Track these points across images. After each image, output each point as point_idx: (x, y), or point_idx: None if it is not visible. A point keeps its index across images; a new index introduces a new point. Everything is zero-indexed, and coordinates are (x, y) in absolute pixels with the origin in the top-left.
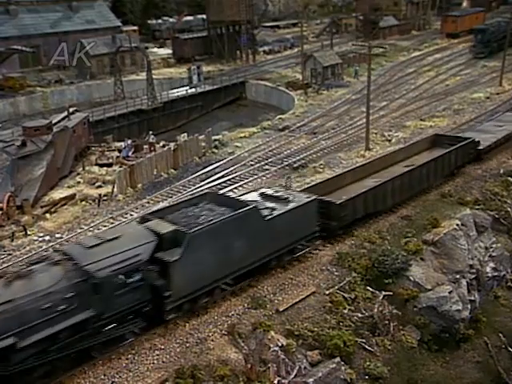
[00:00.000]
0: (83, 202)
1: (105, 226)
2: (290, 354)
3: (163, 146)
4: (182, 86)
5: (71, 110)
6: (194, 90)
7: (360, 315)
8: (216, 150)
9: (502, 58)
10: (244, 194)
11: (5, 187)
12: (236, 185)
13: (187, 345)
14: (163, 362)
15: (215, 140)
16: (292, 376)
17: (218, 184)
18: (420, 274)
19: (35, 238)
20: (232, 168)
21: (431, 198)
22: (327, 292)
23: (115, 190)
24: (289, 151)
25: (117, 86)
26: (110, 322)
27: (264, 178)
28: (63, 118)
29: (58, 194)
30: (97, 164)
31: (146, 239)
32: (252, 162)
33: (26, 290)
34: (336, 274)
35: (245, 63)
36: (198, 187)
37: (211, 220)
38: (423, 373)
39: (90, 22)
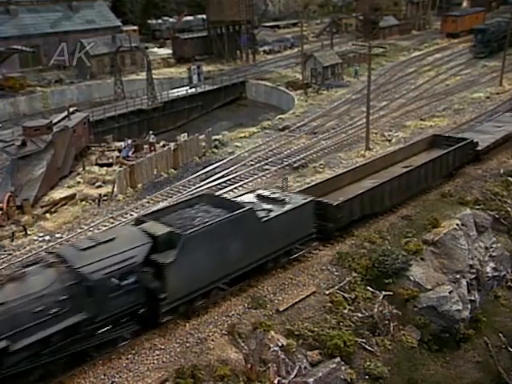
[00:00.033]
0: (83, 202)
1: (105, 226)
2: (290, 354)
3: (163, 145)
4: (182, 86)
5: (71, 109)
6: (194, 89)
7: (360, 315)
8: (216, 150)
9: (502, 57)
10: (240, 196)
11: (5, 187)
12: (236, 185)
13: (187, 345)
14: (163, 361)
15: (215, 140)
16: (292, 376)
17: (218, 184)
18: (420, 273)
19: (35, 237)
20: (232, 168)
21: (431, 197)
22: (327, 292)
23: (115, 189)
24: (289, 151)
25: (117, 85)
26: (103, 325)
27: (264, 178)
28: (63, 118)
29: (58, 193)
30: (97, 164)
31: (141, 241)
32: (252, 162)
33: (18, 293)
34: (336, 273)
35: (245, 63)
36: (198, 187)
37: (207, 222)
38: (423, 373)
39: (90, 22)
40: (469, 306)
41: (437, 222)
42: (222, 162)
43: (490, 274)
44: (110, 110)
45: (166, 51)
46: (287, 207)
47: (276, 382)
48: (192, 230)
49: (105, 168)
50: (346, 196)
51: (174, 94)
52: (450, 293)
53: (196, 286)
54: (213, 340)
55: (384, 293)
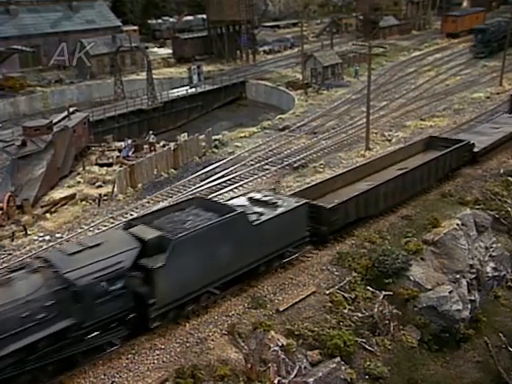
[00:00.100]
0: (83, 202)
1: (105, 226)
2: (290, 354)
3: (163, 145)
4: (182, 86)
5: (71, 109)
6: (194, 89)
7: (360, 315)
8: (216, 150)
9: (502, 57)
10: (232, 199)
11: (5, 187)
12: (236, 184)
13: (187, 344)
14: (163, 361)
15: (215, 140)
16: (292, 376)
17: (218, 184)
18: (420, 273)
19: (35, 237)
20: (232, 168)
21: (431, 197)
22: (327, 292)
23: (115, 189)
24: (289, 151)
25: (117, 85)
26: (91, 331)
27: (264, 178)
28: (63, 118)
29: (58, 193)
30: (97, 164)
31: (129, 246)
32: (252, 162)
33: (4, 298)
34: (336, 273)
35: (245, 63)
36: (198, 187)
37: (197, 225)
38: (423, 372)
39: (90, 22)
40: (469, 305)
41: (437, 222)
42: (222, 162)
43: (490, 274)
44: (110, 110)
45: (166, 51)
46: (279, 210)
47: (276, 381)
48: (182, 234)
49: (105, 168)
50: (340, 199)
51: (174, 94)
52: (450, 293)
53: (186, 290)
54: (213, 340)
55: (384, 293)
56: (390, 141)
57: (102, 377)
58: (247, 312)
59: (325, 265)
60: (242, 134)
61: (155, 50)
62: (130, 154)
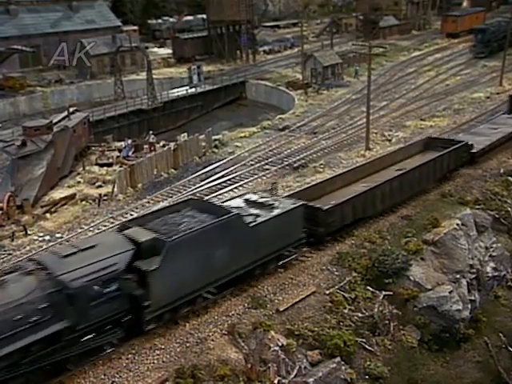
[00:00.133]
0: (83, 202)
1: (105, 226)
2: (290, 354)
3: (163, 145)
4: (182, 86)
5: (71, 109)
6: (194, 89)
7: (360, 315)
8: (216, 150)
9: (503, 57)
10: (228, 200)
11: (5, 187)
12: (236, 185)
13: (187, 344)
14: (163, 361)
15: (215, 140)
16: (292, 376)
17: (219, 184)
18: (420, 273)
19: (35, 237)
20: (232, 168)
21: (431, 197)
22: (327, 292)
23: (115, 189)
24: (289, 151)
25: (117, 85)
26: (85, 333)
27: (264, 178)
28: (63, 118)
29: (58, 193)
30: (97, 164)
31: (123, 248)
32: (252, 162)
33: None
34: (336, 273)
35: (245, 63)
36: (198, 187)
37: (192, 228)
38: (423, 372)
39: (90, 22)
40: (469, 305)
41: (437, 222)
42: (222, 162)
43: (490, 274)
44: (110, 110)
45: (166, 51)
46: (275, 212)
47: (276, 381)
48: (177, 237)
49: (105, 168)
50: (337, 200)
51: (174, 94)
52: (450, 293)
53: (181, 293)
54: (213, 340)
55: (384, 293)
56: (390, 141)
57: (102, 377)
58: (247, 312)
59: (325, 265)
60: (242, 134)
61: (155, 49)
62: (130, 153)
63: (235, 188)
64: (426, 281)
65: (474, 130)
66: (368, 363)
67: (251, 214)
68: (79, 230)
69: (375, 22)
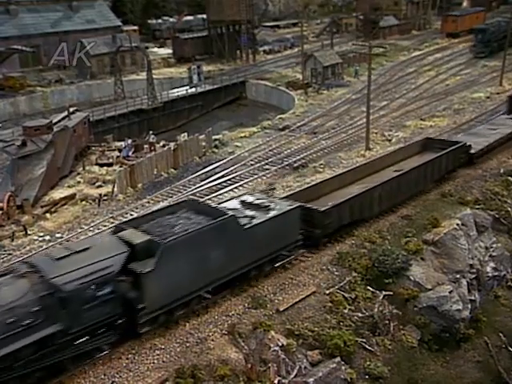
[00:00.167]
0: (83, 202)
1: (105, 226)
2: (290, 354)
3: (163, 145)
4: (182, 86)
5: (71, 109)
6: (194, 89)
7: (360, 315)
8: (216, 150)
9: (503, 57)
10: (224, 202)
11: (5, 187)
12: (236, 184)
13: (187, 344)
14: (163, 361)
15: (215, 140)
16: (292, 376)
17: (219, 184)
18: (420, 273)
19: (35, 237)
20: (232, 168)
21: (431, 197)
22: (327, 292)
23: (115, 189)
24: (289, 151)
25: (117, 85)
26: (79, 337)
27: (264, 178)
28: (63, 118)
29: (58, 193)
30: (97, 164)
31: (117, 250)
32: (252, 162)
33: None
34: (336, 273)
35: (245, 63)
36: (198, 187)
37: (187, 229)
38: (423, 372)
39: (91, 22)
40: (469, 305)
41: (437, 222)
42: (222, 162)
43: (490, 274)
44: (110, 110)
45: (166, 51)
46: (271, 214)
47: (276, 381)
48: (171, 238)
49: (105, 168)
50: (334, 201)
51: (174, 94)
52: (450, 292)
53: (176, 295)
54: (213, 340)
55: (384, 292)
56: (390, 141)
57: (102, 377)
58: (247, 312)
59: (325, 265)
60: (242, 134)
61: (155, 49)
62: (130, 153)
63: (235, 188)
64: (426, 281)
65: (472, 130)
66: (368, 363)
67: (247, 216)
68: (79, 230)
69: (375, 22)
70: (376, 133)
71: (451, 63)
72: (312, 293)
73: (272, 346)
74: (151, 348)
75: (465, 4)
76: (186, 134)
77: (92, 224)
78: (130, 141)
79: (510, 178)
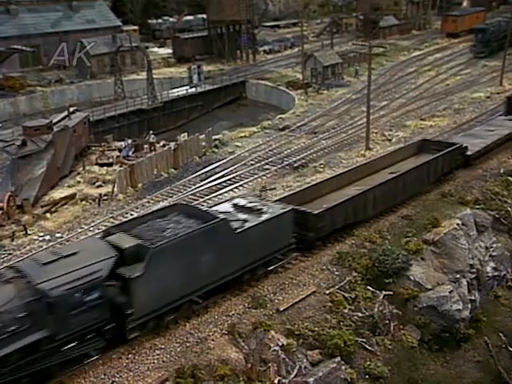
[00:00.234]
0: (83, 202)
1: (105, 226)
2: (290, 354)
3: (163, 145)
4: (183, 86)
5: (71, 109)
6: (194, 89)
7: (360, 315)
8: (216, 150)
9: (503, 57)
10: (216, 205)
11: (5, 187)
12: (236, 184)
13: (187, 344)
14: (163, 361)
15: (215, 139)
16: (292, 375)
17: (219, 184)
18: (420, 273)
19: (35, 237)
20: (232, 167)
21: (431, 197)
22: (327, 291)
23: (115, 189)
24: (289, 151)
25: (117, 85)
26: (67, 342)
27: (264, 178)
28: (63, 118)
29: (58, 193)
30: (97, 163)
31: (106, 255)
32: (252, 162)
33: None
34: (336, 273)
35: (245, 63)
36: (198, 187)
37: (177, 233)
38: (424, 372)
39: (91, 22)
40: (469, 305)
41: (437, 222)
42: (222, 162)
43: (490, 274)
44: (110, 110)
45: (166, 51)
46: (264, 217)
47: (276, 381)
48: (161, 243)
49: (105, 168)
50: (328, 204)
51: (174, 94)
52: (450, 292)
53: (165, 300)
54: (213, 340)
55: (384, 292)
56: (390, 140)
57: (102, 377)
58: (247, 312)
59: (325, 265)
60: (242, 134)
61: (155, 49)
62: (130, 153)
63: (235, 188)
64: (426, 280)
65: (469, 131)
66: (368, 363)
67: (239, 220)
68: (79, 230)
69: (375, 22)
70: (376, 133)
71: (451, 63)
72: (312, 293)
73: (272, 345)
74: (151, 348)
75: (465, 4)
76: (186, 133)
77: (92, 224)
78: (130, 141)
79: (510, 177)
